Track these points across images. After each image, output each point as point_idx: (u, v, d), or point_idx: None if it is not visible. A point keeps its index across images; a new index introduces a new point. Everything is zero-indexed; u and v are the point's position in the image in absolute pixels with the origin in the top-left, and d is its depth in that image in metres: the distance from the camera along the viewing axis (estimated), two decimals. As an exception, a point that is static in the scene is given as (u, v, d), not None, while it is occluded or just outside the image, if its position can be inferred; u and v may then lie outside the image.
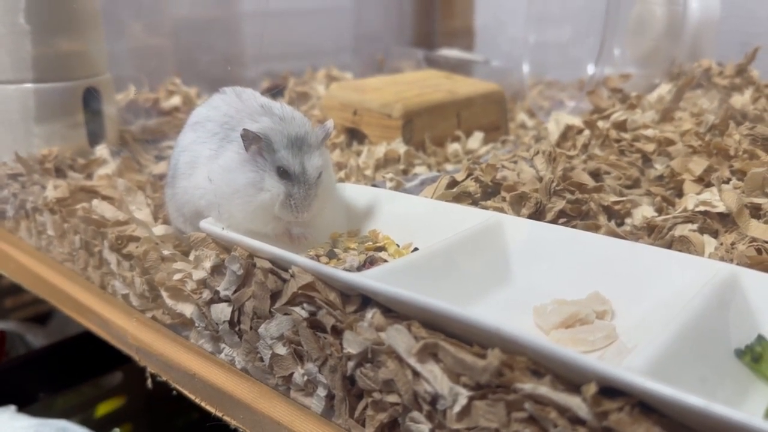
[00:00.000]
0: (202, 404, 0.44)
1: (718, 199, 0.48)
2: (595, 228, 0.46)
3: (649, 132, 0.63)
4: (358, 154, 0.70)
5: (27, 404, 0.75)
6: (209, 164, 0.46)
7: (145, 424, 0.89)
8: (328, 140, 0.74)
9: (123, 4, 0.97)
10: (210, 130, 0.47)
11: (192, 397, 0.44)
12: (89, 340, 0.78)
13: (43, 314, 1.07)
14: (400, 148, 0.69)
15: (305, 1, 1.21)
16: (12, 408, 0.68)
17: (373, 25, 1.36)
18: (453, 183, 0.53)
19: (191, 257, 0.46)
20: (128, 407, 0.87)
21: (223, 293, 0.42)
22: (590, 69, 0.90)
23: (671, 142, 0.60)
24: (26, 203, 0.63)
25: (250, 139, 0.44)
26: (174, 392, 0.47)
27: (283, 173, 0.44)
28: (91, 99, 0.72)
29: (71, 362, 0.81)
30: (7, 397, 0.71)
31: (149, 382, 0.50)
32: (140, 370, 0.51)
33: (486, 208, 0.49)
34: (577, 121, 0.69)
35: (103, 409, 0.85)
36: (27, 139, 0.69)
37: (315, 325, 0.37)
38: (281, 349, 0.39)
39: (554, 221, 0.48)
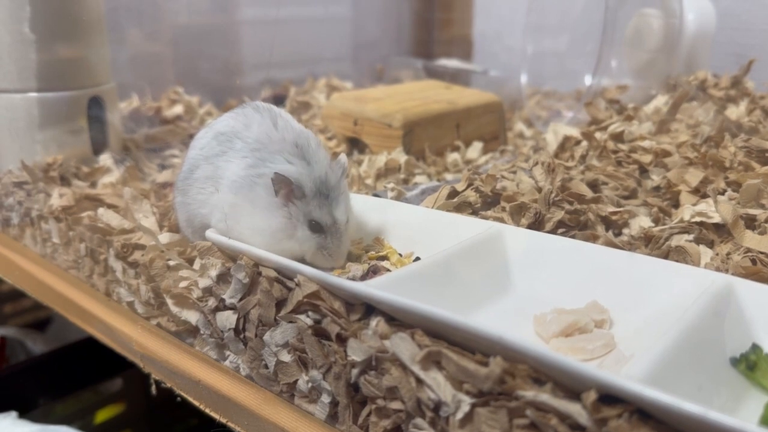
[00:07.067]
0: (207, 411, 0.44)
1: (714, 210, 0.48)
2: (593, 238, 0.47)
3: (646, 143, 0.64)
4: (359, 163, 0.71)
5: (27, 410, 0.75)
6: (235, 191, 0.45)
7: (144, 431, 0.89)
8: (329, 148, 0.75)
9: (124, 13, 0.98)
10: (239, 151, 0.46)
11: (196, 403, 0.45)
12: (89, 346, 0.79)
13: (42, 320, 1.08)
14: (400, 157, 0.70)
15: (304, 10, 1.22)
16: (13, 414, 0.68)
17: (371, 35, 1.38)
18: (454, 193, 0.54)
19: (196, 265, 0.47)
20: (128, 414, 0.87)
21: (228, 301, 0.42)
22: (587, 80, 0.91)
23: (668, 154, 0.61)
24: (31, 211, 0.64)
25: (279, 183, 0.43)
26: (178, 398, 0.47)
27: (315, 226, 0.44)
28: (94, 108, 0.73)
29: (71, 369, 0.82)
30: (8, 403, 0.71)
31: (153, 389, 0.51)
32: (140, 376, 0.51)
33: (486, 218, 0.50)
34: (575, 132, 0.70)
35: (103, 415, 0.86)
36: (32, 148, 0.70)
37: (319, 332, 0.37)
38: (286, 357, 0.39)
39: (553, 231, 0.49)
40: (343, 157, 0.47)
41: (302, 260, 0.45)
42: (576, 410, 0.27)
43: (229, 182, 0.45)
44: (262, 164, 0.45)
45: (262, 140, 0.46)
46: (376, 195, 0.57)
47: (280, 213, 0.44)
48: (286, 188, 0.44)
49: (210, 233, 0.46)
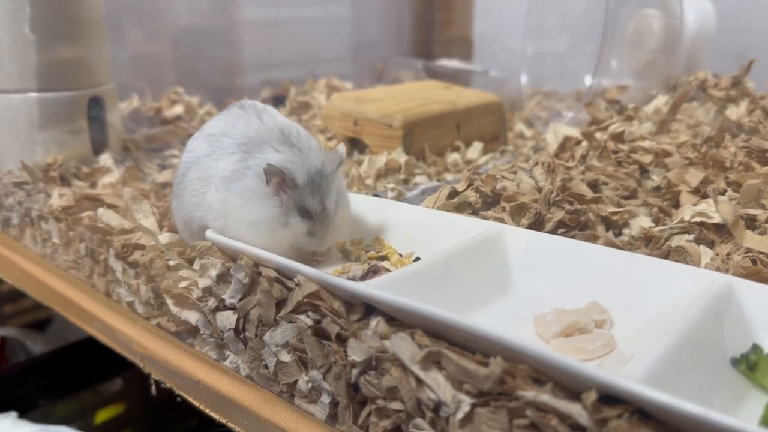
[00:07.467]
0: (207, 411, 0.44)
1: (714, 210, 0.48)
2: (594, 238, 0.47)
3: (646, 143, 0.64)
4: (359, 163, 0.71)
5: (27, 411, 0.75)
6: (225, 187, 0.45)
7: (144, 431, 0.89)
8: (329, 149, 0.75)
9: (125, 14, 0.98)
10: (226, 148, 0.47)
11: (196, 403, 0.45)
12: (89, 346, 0.79)
13: (42, 320, 1.08)
14: (400, 157, 0.70)
15: (304, 11, 1.22)
16: (13, 414, 0.68)
17: (372, 35, 1.38)
18: (454, 193, 0.54)
19: (196, 265, 0.47)
20: (128, 414, 0.87)
21: (228, 301, 0.42)
22: (588, 80, 0.91)
23: (668, 154, 0.61)
24: (31, 211, 0.64)
25: (272, 174, 0.43)
26: (178, 399, 0.47)
27: (305, 212, 0.45)
28: (94, 108, 0.73)
29: (71, 369, 0.82)
30: (8, 403, 0.71)
31: (153, 389, 0.51)
32: (140, 377, 0.51)
33: (486, 218, 0.50)
34: (575, 133, 0.70)
35: (103, 415, 0.86)
36: (32, 148, 0.70)
37: (319, 333, 0.37)
38: (286, 357, 0.39)
39: (553, 231, 0.49)
40: (341, 147, 0.48)
41: (296, 250, 0.46)
42: (576, 410, 0.27)
43: (219, 179, 0.46)
44: (250, 156, 0.45)
45: (249, 134, 0.47)
46: (376, 195, 0.57)
47: (272, 202, 0.44)
48: (277, 178, 0.44)
49: (210, 233, 0.46)
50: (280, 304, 0.40)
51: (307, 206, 0.44)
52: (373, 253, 0.49)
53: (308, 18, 1.24)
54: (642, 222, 0.51)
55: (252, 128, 0.47)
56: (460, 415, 0.30)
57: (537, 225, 0.49)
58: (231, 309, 0.43)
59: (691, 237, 0.47)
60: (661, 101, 0.80)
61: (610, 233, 0.49)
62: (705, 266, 0.43)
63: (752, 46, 0.98)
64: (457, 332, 0.32)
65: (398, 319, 0.35)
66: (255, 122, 0.47)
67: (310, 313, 0.38)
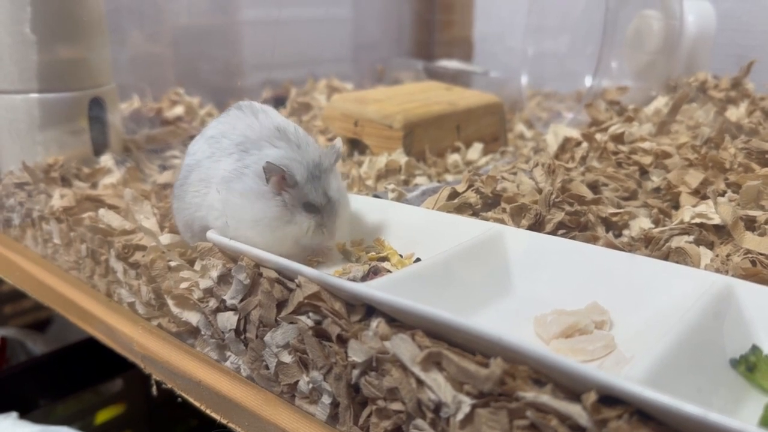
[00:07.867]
0: (208, 411, 0.44)
1: (714, 212, 0.48)
2: (594, 239, 0.47)
3: (646, 145, 0.64)
4: (360, 164, 0.71)
5: (28, 411, 0.75)
6: (225, 186, 0.46)
7: (145, 432, 0.89)
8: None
9: (125, 14, 0.98)
10: (225, 149, 0.47)
11: (197, 404, 0.45)
12: (90, 347, 0.79)
13: (42, 321, 1.08)
14: (401, 158, 0.70)
15: (305, 11, 1.22)
16: (14, 415, 0.68)
17: (372, 36, 1.38)
18: (454, 194, 0.54)
19: (197, 266, 0.47)
20: (128, 414, 0.87)
21: (229, 302, 0.42)
22: (588, 81, 0.91)
23: (668, 155, 0.61)
24: (32, 212, 0.64)
25: (271, 171, 0.44)
26: (179, 399, 0.47)
27: (310, 207, 0.45)
28: (95, 108, 0.73)
29: (72, 369, 0.82)
30: (9, 403, 0.71)
31: (154, 390, 0.51)
32: (140, 377, 0.51)
33: (487, 219, 0.50)
34: (575, 134, 0.71)
35: (103, 416, 0.86)
36: (33, 148, 0.70)
37: (320, 333, 0.38)
38: (287, 358, 0.39)
39: (553, 232, 0.49)
40: (338, 141, 0.48)
41: (300, 246, 0.46)
42: (576, 411, 0.27)
43: (219, 179, 0.46)
44: (247, 155, 0.46)
45: (246, 133, 0.47)
46: (376, 196, 0.57)
47: (274, 201, 0.45)
48: (277, 176, 0.44)
49: (211, 234, 0.46)
50: (280, 305, 0.40)
51: (311, 201, 0.45)
52: (373, 254, 0.49)
53: (309, 18, 1.24)
54: (642, 223, 0.51)
55: (250, 128, 0.47)
56: (460, 416, 0.30)
57: (537, 226, 0.49)
58: (232, 310, 0.43)
59: (691, 238, 0.47)
60: (661, 102, 0.80)
61: (610, 234, 0.49)
62: (705, 267, 0.43)
63: (752, 47, 0.99)
64: (457, 333, 0.32)
65: (399, 320, 0.35)
66: (253, 122, 0.48)
67: (310, 314, 0.38)
